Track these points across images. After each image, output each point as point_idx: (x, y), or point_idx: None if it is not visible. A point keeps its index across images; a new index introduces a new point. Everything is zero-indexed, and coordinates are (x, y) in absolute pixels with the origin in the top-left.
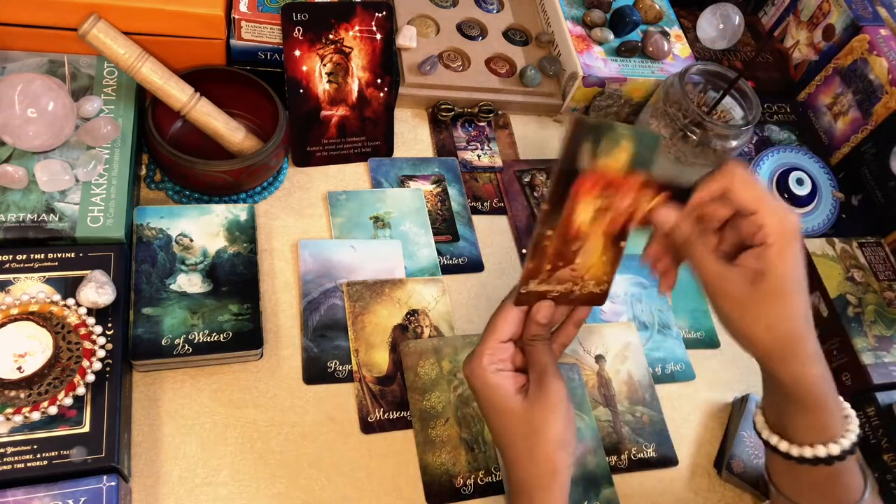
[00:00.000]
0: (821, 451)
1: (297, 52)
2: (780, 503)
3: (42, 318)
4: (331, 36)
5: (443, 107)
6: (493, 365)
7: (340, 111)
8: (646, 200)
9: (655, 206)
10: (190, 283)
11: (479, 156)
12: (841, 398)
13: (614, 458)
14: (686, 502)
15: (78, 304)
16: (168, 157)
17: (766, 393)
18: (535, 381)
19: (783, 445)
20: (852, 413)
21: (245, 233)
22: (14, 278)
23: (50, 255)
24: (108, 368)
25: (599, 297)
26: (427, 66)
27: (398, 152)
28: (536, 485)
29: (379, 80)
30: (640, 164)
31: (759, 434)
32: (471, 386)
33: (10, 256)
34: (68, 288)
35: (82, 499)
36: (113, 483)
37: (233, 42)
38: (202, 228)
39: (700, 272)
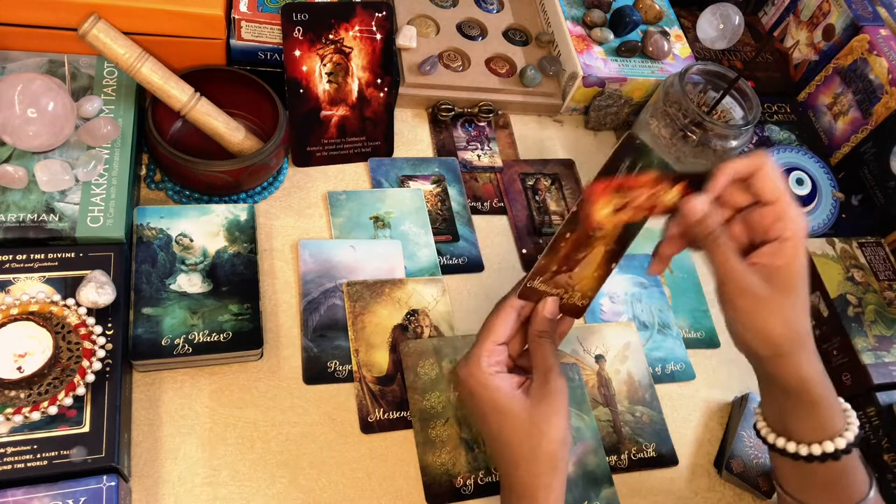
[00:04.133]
0: (828, 447)
1: (297, 52)
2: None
3: (42, 318)
4: (331, 36)
5: (443, 107)
6: (491, 367)
7: (340, 111)
8: (664, 192)
9: (682, 197)
10: (190, 283)
11: (479, 156)
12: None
13: (614, 458)
14: (686, 502)
15: (78, 304)
16: (168, 157)
17: (766, 396)
18: (540, 380)
19: (791, 446)
20: (849, 407)
21: (245, 233)
22: (14, 278)
23: (50, 255)
24: (108, 368)
25: (579, 311)
26: (427, 66)
27: (398, 152)
28: (539, 484)
29: (379, 80)
30: None
31: (763, 439)
32: (467, 388)
33: (10, 256)
34: (68, 288)
35: (82, 499)
36: (113, 483)
37: (233, 42)
38: (202, 228)
39: (722, 268)
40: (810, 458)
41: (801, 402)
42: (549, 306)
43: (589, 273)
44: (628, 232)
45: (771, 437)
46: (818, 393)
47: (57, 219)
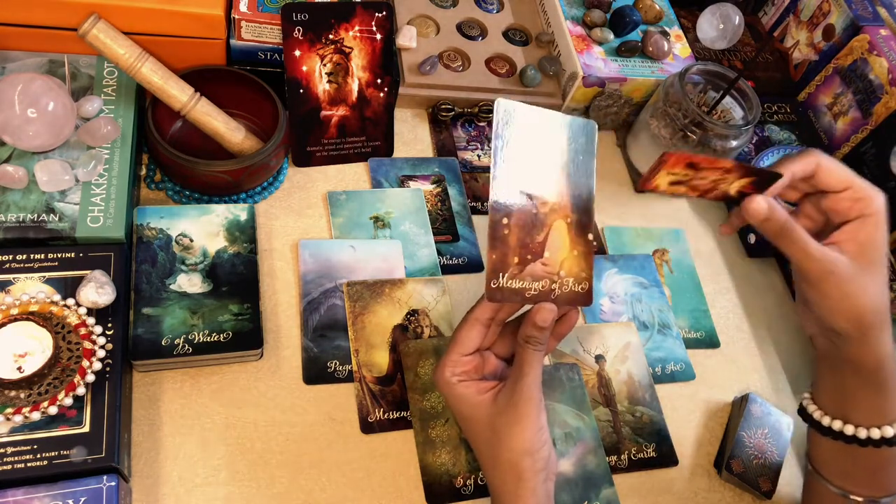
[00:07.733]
0: (888, 431)
1: (297, 52)
2: (824, 493)
3: (42, 318)
4: (331, 36)
5: (443, 107)
6: (455, 377)
7: (340, 111)
8: (729, 181)
9: (747, 195)
10: (190, 283)
11: (479, 156)
12: None
13: (614, 458)
14: (686, 502)
15: (78, 304)
16: (168, 157)
17: (828, 379)
18: (509, 387)
19: (849, 429)
20: None
21: (245, 233)
22: (14, 278)
23: (50, 255)
24: (108, 368)
25: (583, 297)
26: (427, 66)
27: (398, 152)
28: (503, 490)
29: (379, 80)
30: (583, 153)
31: (817, 423)
32: (441, 394)
33: (10, 256)
34: (68, 288)
35: (82, 499)
36: (113, 483)
37: (233, 42)
38: (202, 228)
39: (802, 257)
40: (867, 441)
41: (873, 382)
42: (540, 314)
43: (566, 254)
44: (581, 199)
45: (826, 420)
46: (891, 372)
47: (57, 219)
